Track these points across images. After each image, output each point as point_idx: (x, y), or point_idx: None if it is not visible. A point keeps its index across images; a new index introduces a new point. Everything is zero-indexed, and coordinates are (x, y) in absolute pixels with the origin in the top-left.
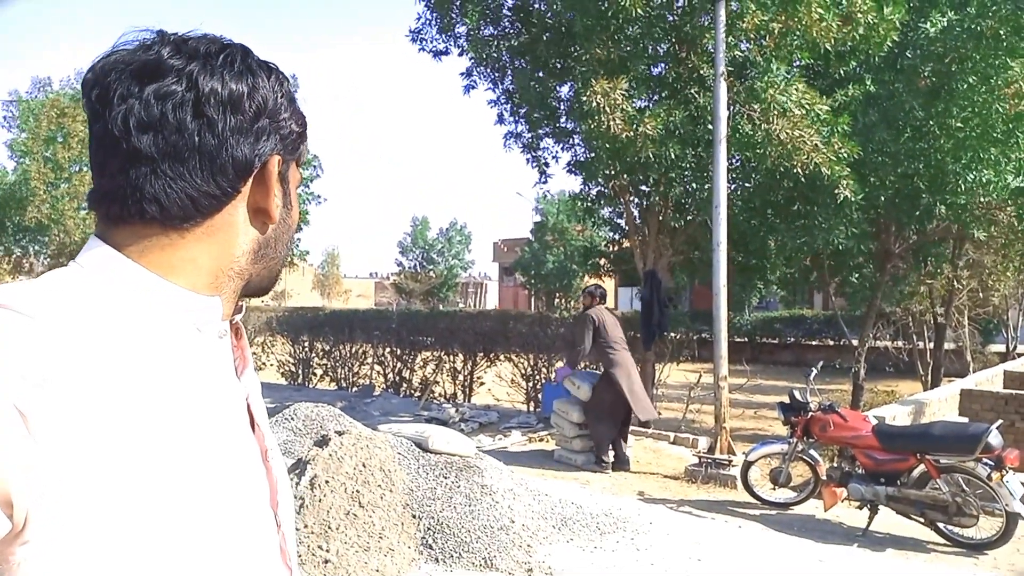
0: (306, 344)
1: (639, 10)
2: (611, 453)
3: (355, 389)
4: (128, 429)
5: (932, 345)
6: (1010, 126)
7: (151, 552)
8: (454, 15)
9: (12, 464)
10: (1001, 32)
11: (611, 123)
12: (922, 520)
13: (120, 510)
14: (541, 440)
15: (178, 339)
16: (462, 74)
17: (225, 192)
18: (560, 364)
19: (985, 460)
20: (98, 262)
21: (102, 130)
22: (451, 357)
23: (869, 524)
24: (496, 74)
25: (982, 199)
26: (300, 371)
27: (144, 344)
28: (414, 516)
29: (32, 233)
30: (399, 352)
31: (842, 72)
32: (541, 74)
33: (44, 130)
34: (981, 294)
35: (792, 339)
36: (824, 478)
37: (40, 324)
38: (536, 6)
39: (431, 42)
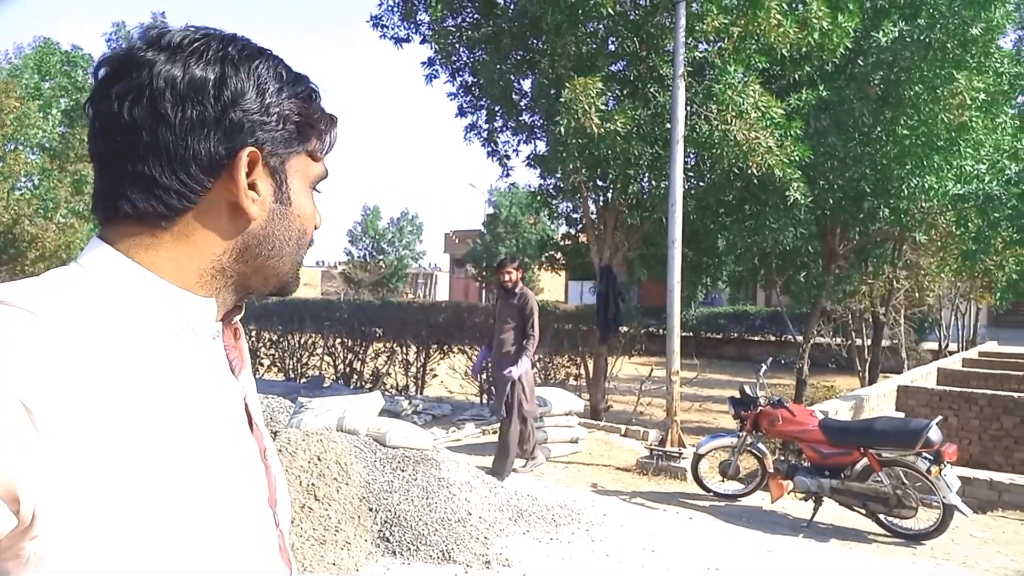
0: (253, 333)
1: (609, 8)
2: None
3: (304, 380)
4: (130, 425)
5: (870, 342)
6: (953, 135)
7: (156, 545)
8: (417, 3)
9: (19, 460)
10: (948, 44)
11: (588, 120)
12: (864, 512)
13: (125, 504)
14: (495, 432)
15: (173, 338)
16: (423, 63)
17: (191, 188)
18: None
19: (925, 454)
20: (97, 262)
21: (88, 134)
22: (403, 349)
23: (814, 515)
24: (457, 66)
25: (923, 204)
26: None
27: (142, 342)
28: (371, 509)
29: None
30: (350, 343)
31: (796, 77)
32: (503, 67)
33: None
34: (917, 294)
35: (736, 334)
36: (771, 470)
37: (43, 320)
38: None
39: (392, 29)
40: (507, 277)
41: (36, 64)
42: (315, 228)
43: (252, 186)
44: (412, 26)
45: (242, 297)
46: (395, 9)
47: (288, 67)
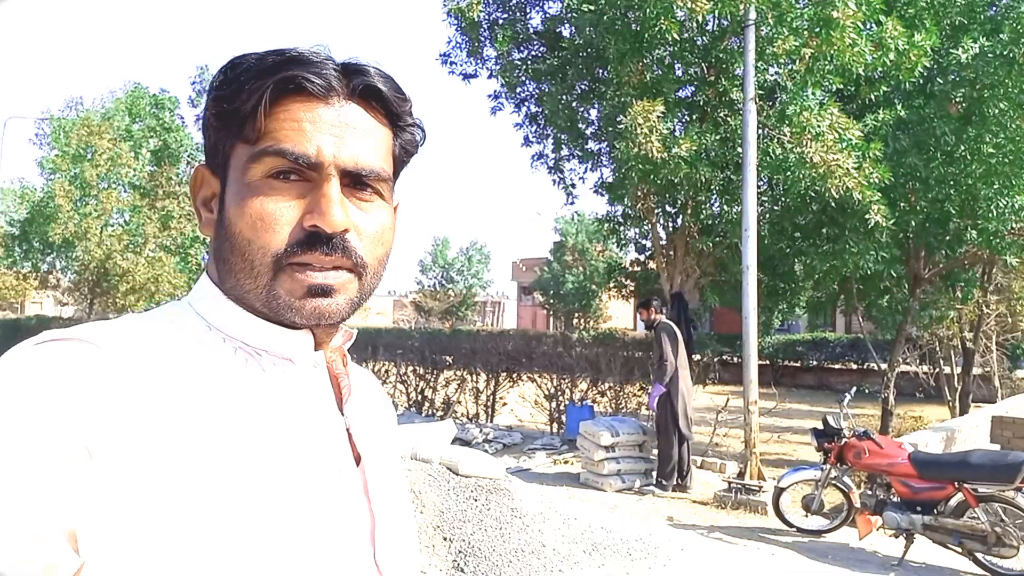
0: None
1: (674, 34)
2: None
3: None
4: (192, 462)
5: (960, 370)
6: None
7: None
8: (483, 39)
9: (77, 501)
10: None
11: (649, 145)
12: (960, 550)
13: (179, 543)
14: (566, 462)
15: (256, 369)
16: (490, 96)
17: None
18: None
19: None
20: (197, 295)
21: None
22: (474, 377)
23: (905, 553)
24: (522, 97)
25: (1014, 224)
26: None
27: (216, 375)
28: (445, 538)
29: (58, 249)
30: (421, 371)
31: (872, 97)
32: (568, 97)
33: (73, 147)
34: (1009, 319)
35: (814, 362)
36: (858, 505)
37: (109, 354)
38: (565, 30)
39: (460, 65)
40: (641, 317)
41: (127, 107)
42: (313, 229)
43: (211, 204)
44: (479, 61)
45: (316, 323)
46: (462, 46)
47: (250, 57)
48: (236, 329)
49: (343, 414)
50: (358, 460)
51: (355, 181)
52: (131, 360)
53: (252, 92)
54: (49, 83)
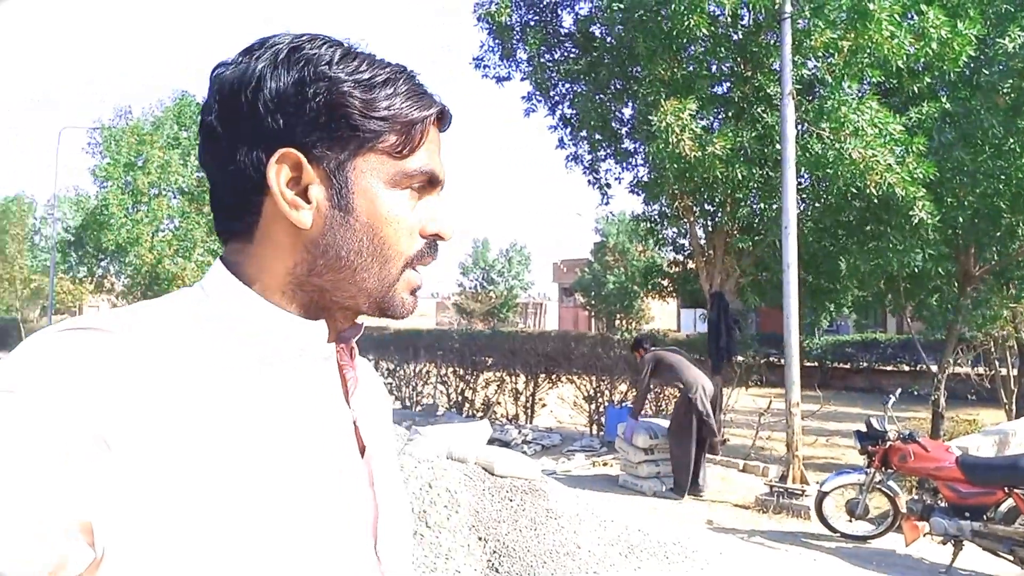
0: (371, 363)
1: (703, 30)
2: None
3: (419, 408)
4: (206, 451)
5: (1016, 372)
6: None
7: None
8: (515, 42)
9: (93, 494)
10: None
11: (681, 143)
12: (1011, 558)
13: (195, 532)
14: (605, 464)
15: (269, 359)
16: (523, 98)
17: (246, 200)
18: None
19: None
20: (210, 282)
21: None
22: (513, 378)
23: (953, 560)
24: (555, 99)
25: None
26: None
27: (230, 363)
28: (480, 538)
29: (112, 255)
30: (462, 372)
31: (916, 89)
32: (602, 96)
33: (124, 156)
34: None
35: (865, 364)
36: (904, 511)
37: (125, 343)
38: (596, 30)
39: (493, 68)
40: (637, 359)
41: (176, 116)
42: (435, 236)
43: (303, 191)
44: (512, 64)
45: (342, 315)
46: (494, 50)
47: (363, 60)
48: (252, 319)
49: (350, 406)
50: (363, 451)
51: None
52: (149, 350)
53: (411, 113)
54: (99, 93)
